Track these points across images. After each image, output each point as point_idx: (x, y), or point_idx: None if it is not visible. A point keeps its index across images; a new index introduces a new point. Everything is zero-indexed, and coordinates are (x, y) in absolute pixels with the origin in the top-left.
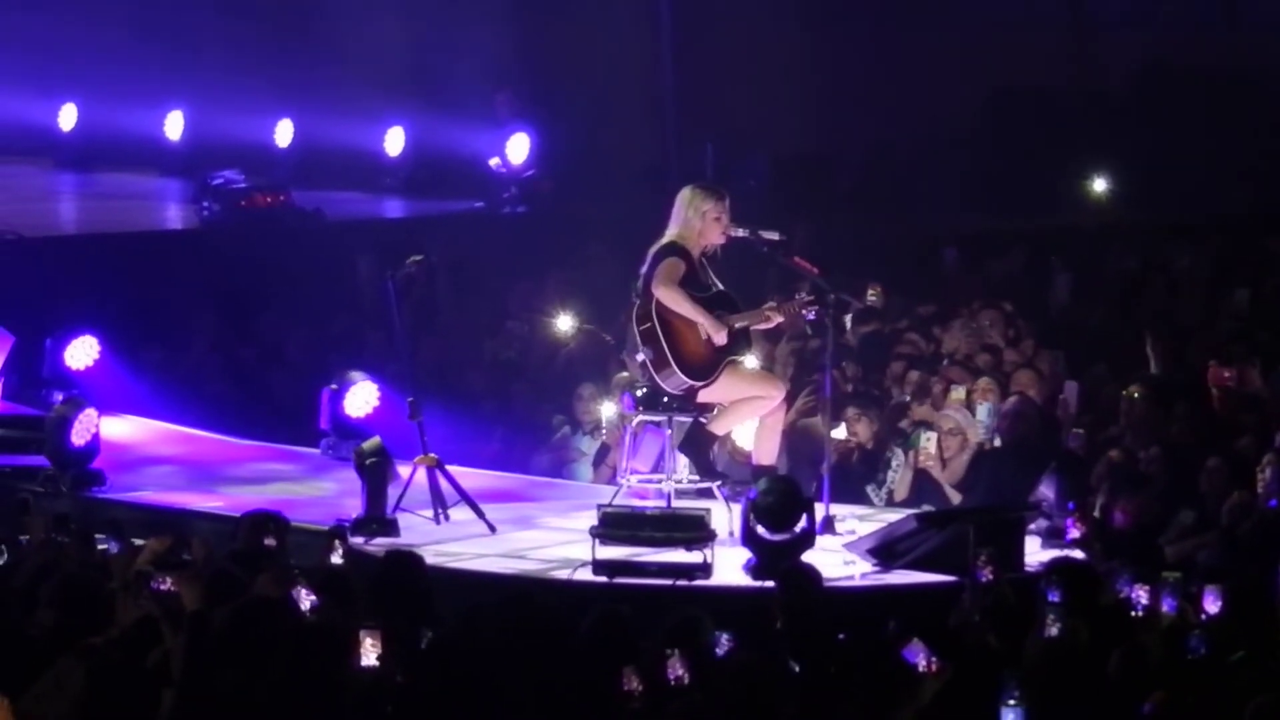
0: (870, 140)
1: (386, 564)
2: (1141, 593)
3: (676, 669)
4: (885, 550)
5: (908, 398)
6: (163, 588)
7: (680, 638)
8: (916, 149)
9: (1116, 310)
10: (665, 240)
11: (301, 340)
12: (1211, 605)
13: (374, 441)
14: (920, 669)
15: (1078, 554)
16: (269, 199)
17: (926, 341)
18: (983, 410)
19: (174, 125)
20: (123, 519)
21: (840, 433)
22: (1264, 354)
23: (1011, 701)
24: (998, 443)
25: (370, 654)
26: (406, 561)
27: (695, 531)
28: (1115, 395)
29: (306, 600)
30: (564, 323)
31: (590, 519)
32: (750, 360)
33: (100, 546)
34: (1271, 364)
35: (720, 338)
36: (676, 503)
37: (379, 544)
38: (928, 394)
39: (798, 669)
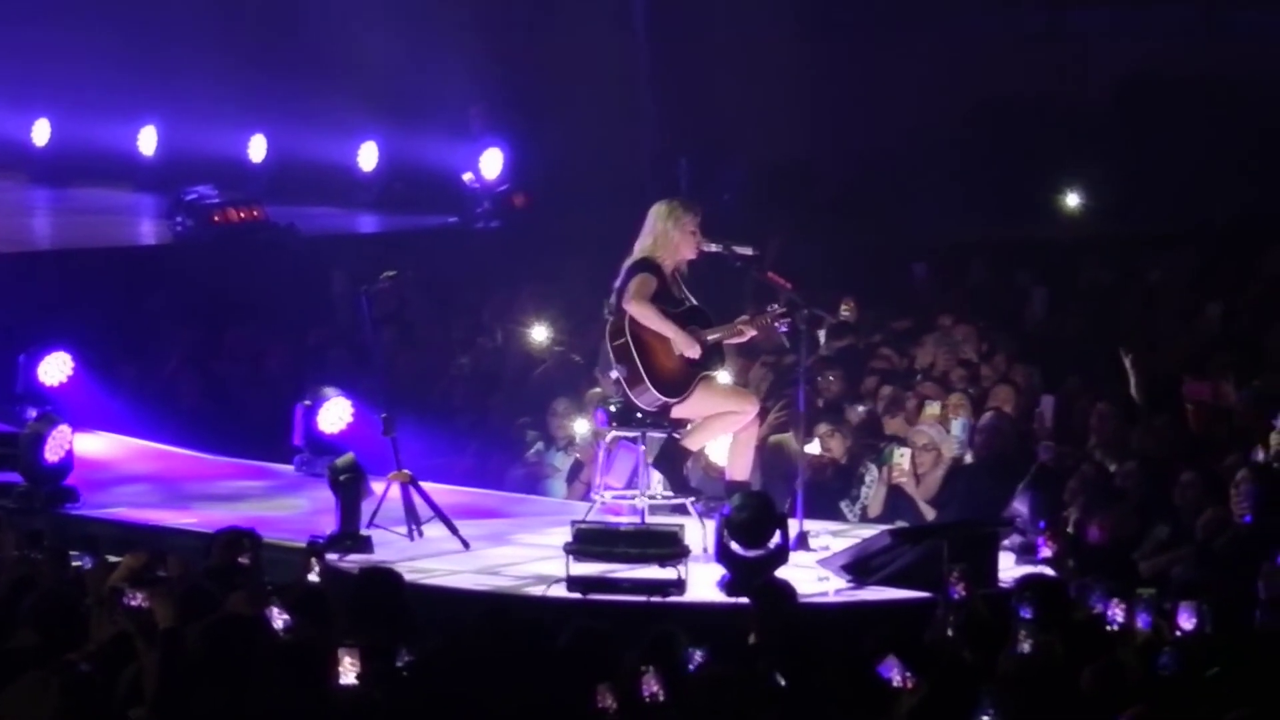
0: (849, 152)
1: (364, 581)
2: (1116, 609)
3: (652, 686)
4: (859, 566)
5: (881, 412)
6: (135, 604)
7: (655, 654)
8: (896, 161)
9: (1091, 324)
10: (637, 255)
11: (275, 356)
12: (1186, 621)
13: (347, 458)
14: (895, 685)
15: (1049, 571)
16: (243, 214)
17: (900, 356)
18: (957, 426)
19: (147, 140)
20: (97, 535)
21: (814, 448)
22: (1237, 368)
23: (986, 717)
24: (970, 458)
25: (349, 673)
26: (384, 578)
27: (669, 547)
28: (1089, 409)
29: (280, 619)
30: (538, 336)
31: (564, 535)
32: (723, 375)
33: (75, 563)
34: (1245, 378)
35: (693, 353)
36: (650, 519)
37: (353, 560)
38: (901, 409)
39: (772, 685)
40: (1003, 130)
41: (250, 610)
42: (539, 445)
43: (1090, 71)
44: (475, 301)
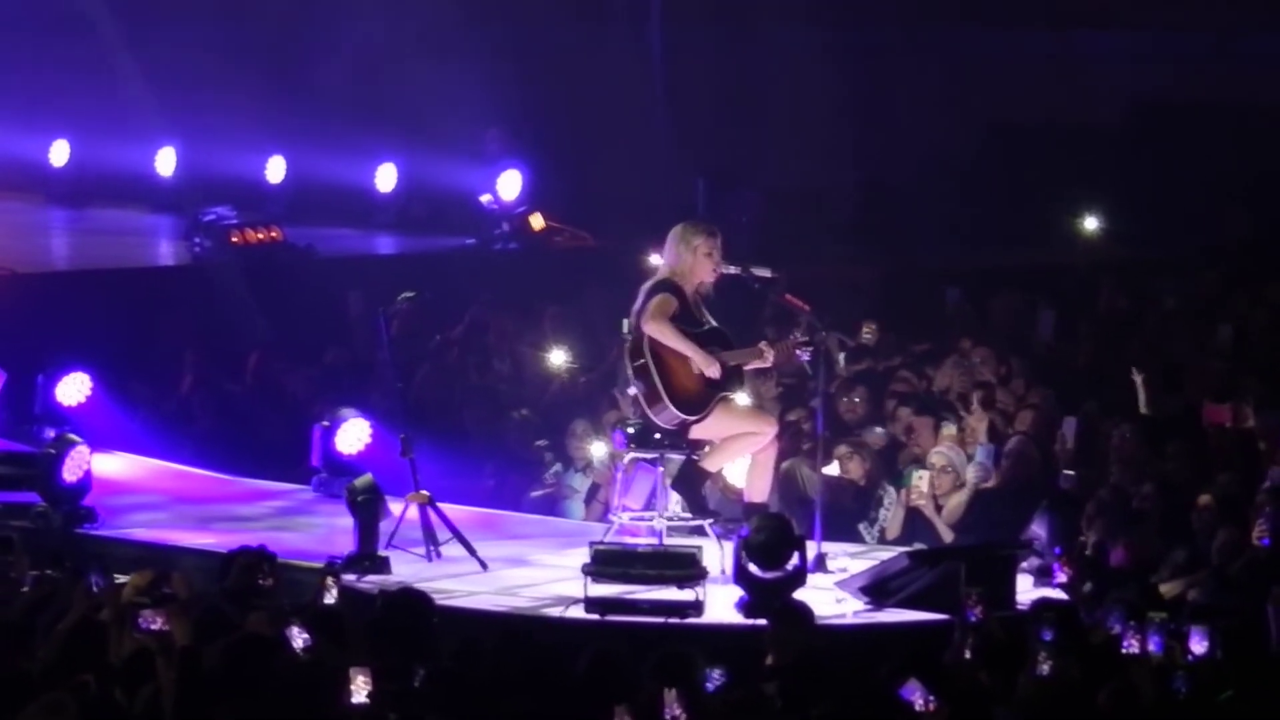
0: (863, 177)
1: (394, 601)
2: (1130, 633)
3: (673, 709)
4: (877, 588)
5: (901, 436)
6: (153, 627)
7: (671, 674)
8: (910, 186)
9: (1106, 347)
10: (657, 277)
11: (293, 377)
12: (1197, 646)
13: (366, 478)
14: (918, 708)
15: (1064, 596)
16: (261, 235)
17: (919, 379)
18: (980, 452)
19: (166, 161)
20: (114, 555)
21: (832, 470)
22: (1256, 392)
23: None
24: (994, 482)
25: (360, 692)
26: (415, 600)
27: (687, 569)
28: (1106, 433)
29: (299, 639)
30: (555, 358)
31: (582, 556)
32: (742, 397)
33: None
34: (1262, 401)
35: (712, 371)
36: (668, 540)
37: (370, 581)
38: (919, 432)
39: (787, 707)
40: (1014, 155)
41: (270, 630)
42: (557, 467)
43: (1101, 96)
44: (493, 323)
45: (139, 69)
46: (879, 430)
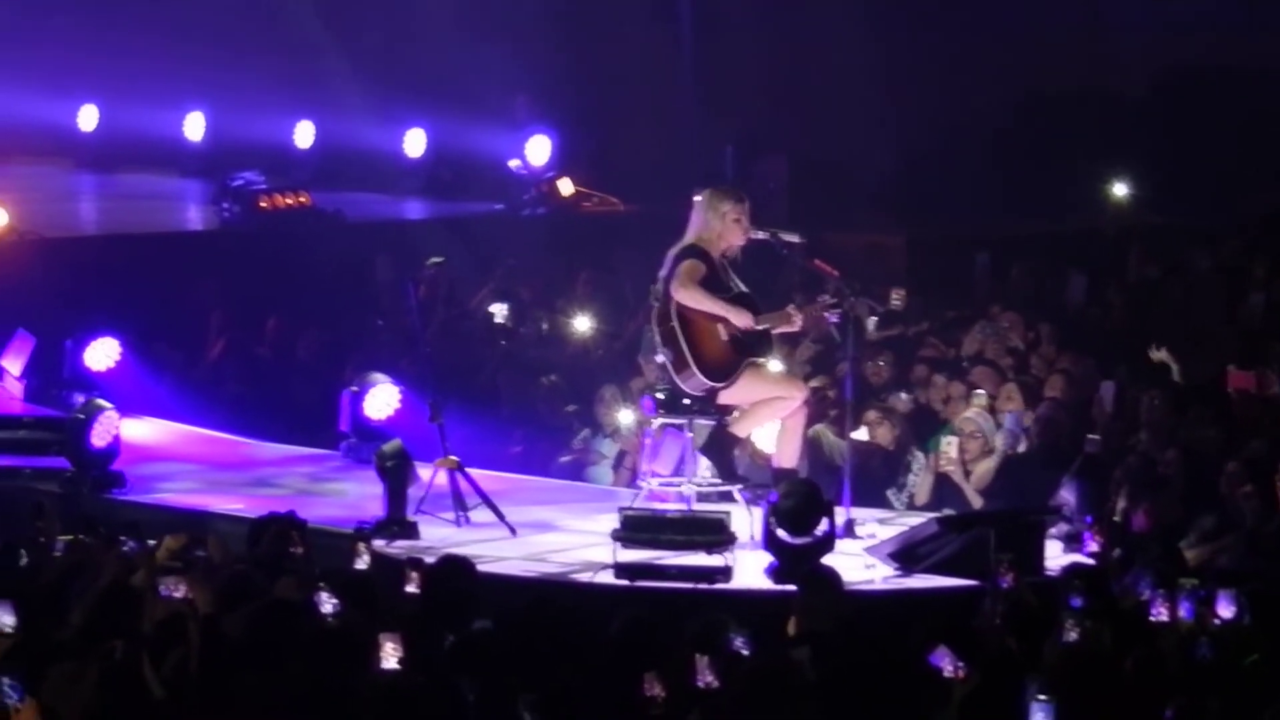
0: (893, 144)
1: (439, 569)
2: (1160, 600)
3: (705, 675)
4: (906, 554)
5: (931, 401)
6: (176, 594)
7: (705, 642)
8: (939, 153)
9: (1136, 313)
10: (685, 243)
11: (322, 342)
12: (1225, 610)
13: (394, 444)
14: (946, 674)
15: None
16: (289, 200)
17: (948, 345)
18: (1008, 419)
19: (194, 126)
20: (143, 520)
21: (861, 435)
22: (1278, 358)
23: (1041, 698)
24: (1023, 448)
25: (391, 658)
26: (459, 567)
27: (716, 535)
28: (1136, 398)
29: (329, 604)
30: (583, 324)
31: (611, 522)
32: (774, 364)
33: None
34: None
35: (745, 322)
36: (697, 506)
37: (400, 546)
38: (951, 397)
39: (816, 673)
40: (1044, 122)
41: (298, 595)
42: (585, 432)
43: (1131, 63)
44: (523, 288)
45: (168, 33)
46: (904, 396)
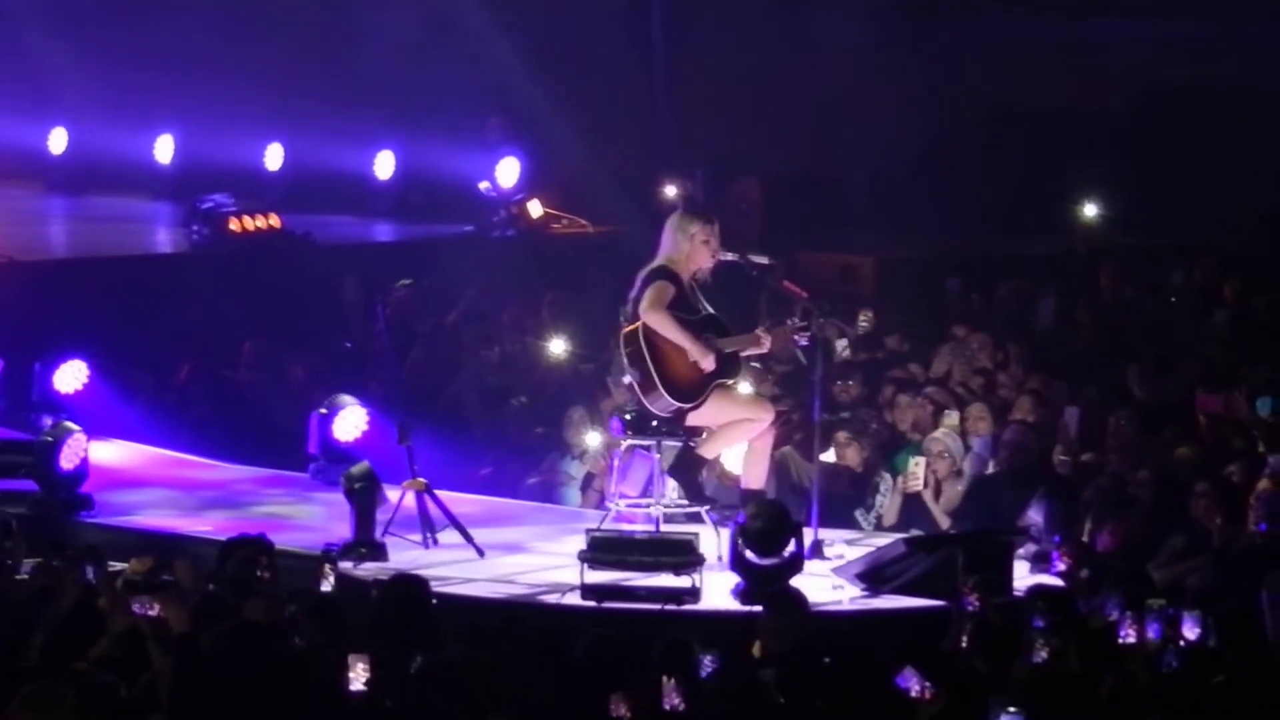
0: (865, 165)
1: (390, 588)
2: (1128, 622)
3: (672, 697)
4: (874, 574)
5: (899, 422)
6: (149, 612)
7: (672, 663)
8: (915, 173)
9: (1106, 333)
10: (655, 264)
11: (290, 364)
12: (1190, 631)
13: (362, 466)
14: (914, 694)
15: (1060, 583)
16: (259, 223)
17: (921, 367)
18: (978, 443)
19: (164, 149)
20: (111, 543)
21: (830, 456)
22: (1250, 380)
23: (1012, 710)
24: (991, 469)
25: (359, 679)
26: (411, 585)
27: (684, 556)
28: (1105, 419)
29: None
30: (554, 346)
31: (579, 543)
32: (744, 386)
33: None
34: (1258, 388)
35: (707, 364)
36: (665, 527)
37: (368, 569)
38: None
39: (784, 694)
40: (1021, 141)
41: (266, 618)
42: (553, 453)
43: (1110, 82)
44: (491, 310)
45: (137, 55)
46: (875, 426)
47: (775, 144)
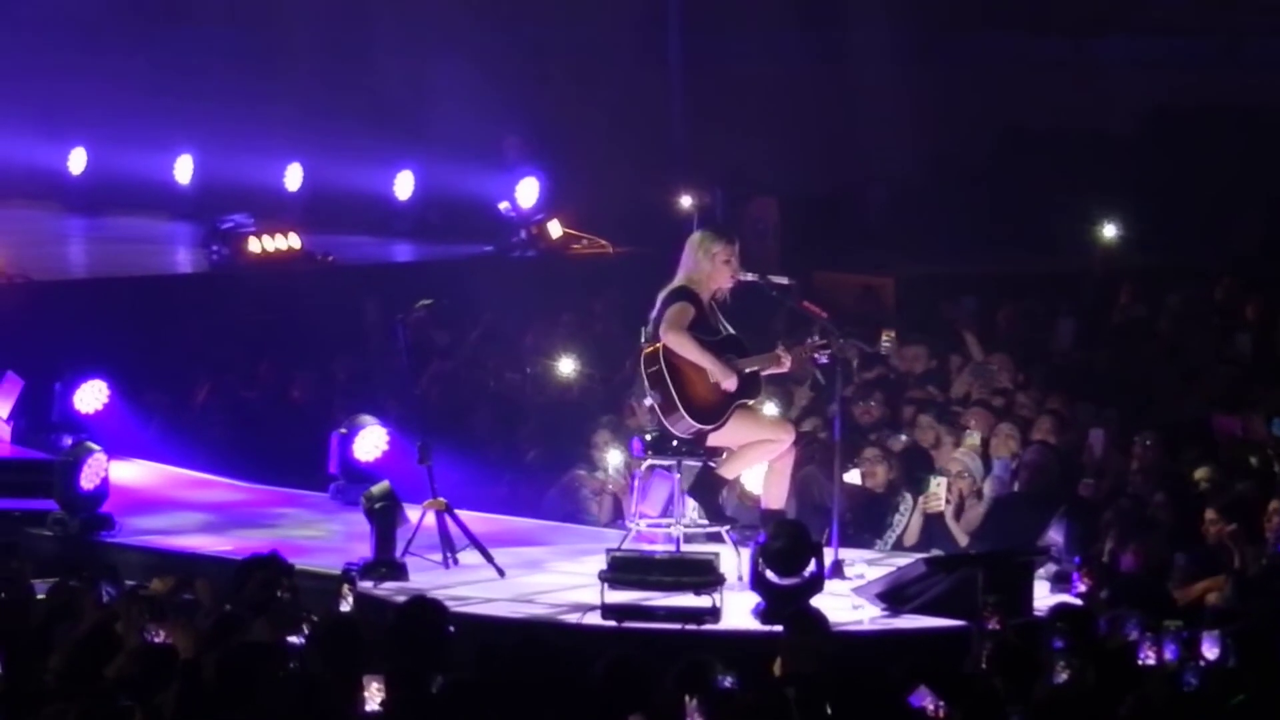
0: (881, 184)
1: (407, 610)
2: (1147, 644)
3: (693, 716)
4: (894, 594)
5: (923, 443)
6: (157, 640)
7: (692, 683)
8: (927, 192)
9: (1123, 354)
10: (675, 284)
11: (310, 384)
12: (1209, 651)
13: (383, 485)
14: (928, 714)
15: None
16: (278, 243)
17: (940, 389)
18: (998, 465)
19: (183, 169)
20: (131, 563)
21: (852, 477)
22: (1268, 402)
23: None
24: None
25: (374, 699)
26: (428, 608)
27: (704, 576)
28: (1125, 441)
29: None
30: (566, 366)
31: (599, 563)
32: (770, 407)
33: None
34: (1276, 410)
35: (729, 385)
36: (685, 547)
37: (388, 588)
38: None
39: (802, 714)
40: (1029, 161)
41: (271, 637)
42: (576, 473)
43: (1116, 102)
44: (511, 331)
45: (156, 76)
46: (903, 437)
47: (787, 165)
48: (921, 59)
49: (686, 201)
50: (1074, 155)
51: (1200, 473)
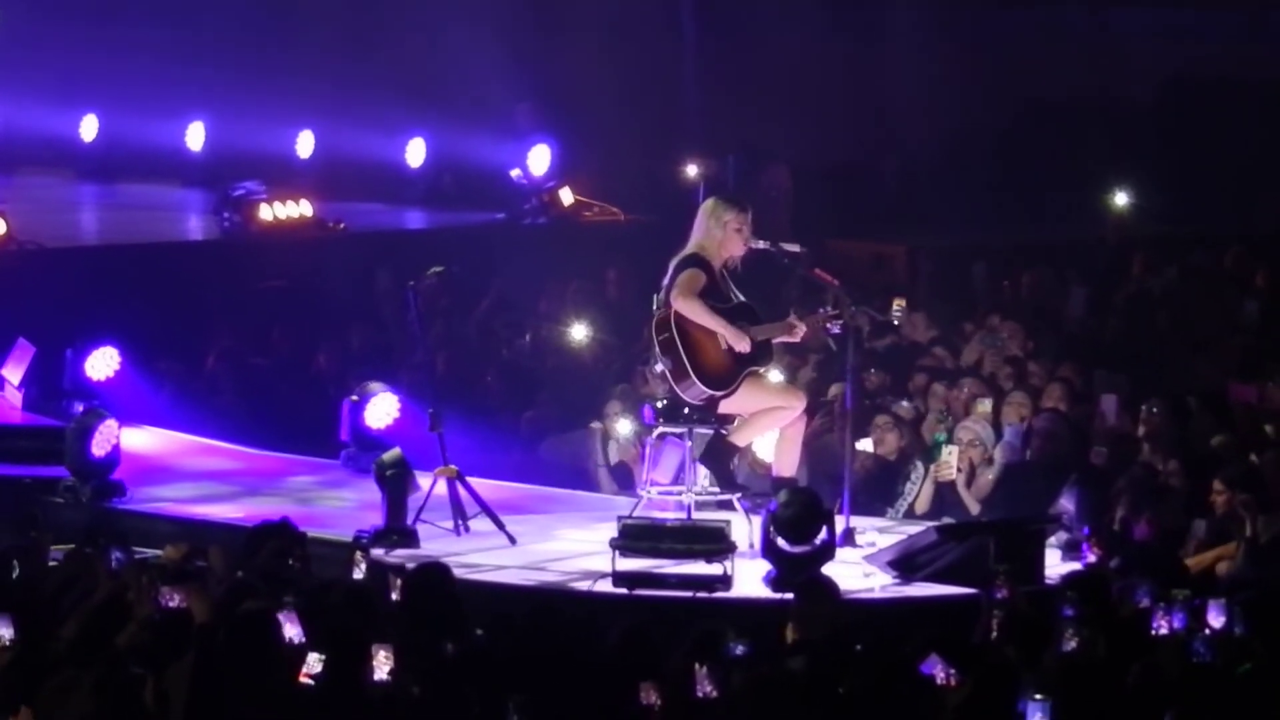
0: (895, 153)
1: (415, 575)
2: (1158, 612)
3: (705, 685)
4: (905, 562)
5: (931, 410)
6: (172, 604)
7: (704, 651)
8: (942, 162)
9: (1136, 323)
10: (686, 251)
11: (322, 352)
12: (1215, 619)
13: (394, 453)
14: (939, 682)
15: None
16: (290, 210)
17: (952, 355)
18: (1009, 432)
19: (195, 136)
20: (143, 530)
21: (866, 444)
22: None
23: (1039, 697)
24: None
25: (382, 668)
26: (435, 573)
27: (715, 543)
28: (1136, 409)
29: (290, 630)
30: (578, 333)
31: (610, 531)
32: (775, 374)
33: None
34: None
35: (742, 346)
36: (696, 515)
37: (399, 555)
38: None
39: (813, 681)
40: (1047, 131)
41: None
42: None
43: (1134, 73)
44: (523, 297)
45: (168, 43)
46: (905, 404)
47: (803, 134)
48: (941, 30)
49: (693, 170)
50: (1092, 127)
51: (1217, 440)
